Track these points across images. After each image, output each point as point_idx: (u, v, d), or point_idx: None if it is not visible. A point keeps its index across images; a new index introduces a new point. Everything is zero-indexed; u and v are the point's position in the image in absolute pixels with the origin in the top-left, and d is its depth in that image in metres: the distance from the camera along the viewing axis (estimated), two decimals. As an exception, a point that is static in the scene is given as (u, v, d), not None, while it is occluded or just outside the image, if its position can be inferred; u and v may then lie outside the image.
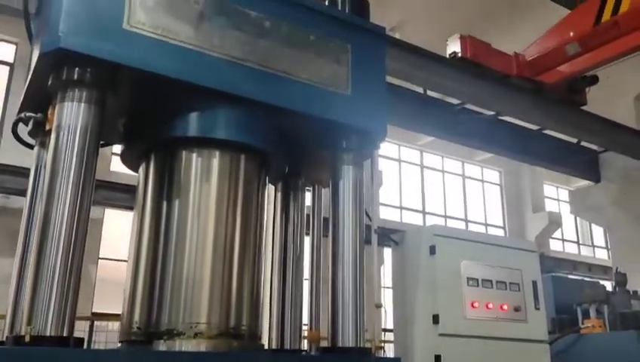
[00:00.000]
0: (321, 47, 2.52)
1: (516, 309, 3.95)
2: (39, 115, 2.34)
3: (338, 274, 2.44)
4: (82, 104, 2.02)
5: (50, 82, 2.07)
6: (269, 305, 2.83)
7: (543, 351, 4.06)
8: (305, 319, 2.90)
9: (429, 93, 8.41)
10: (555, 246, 20.07)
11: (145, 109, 2.36)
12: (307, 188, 3.04)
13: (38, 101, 2.27)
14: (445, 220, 18.08)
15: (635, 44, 7.21)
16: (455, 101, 8.67)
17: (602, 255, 21.02)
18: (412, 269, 3.81)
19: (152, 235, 2.29)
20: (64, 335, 1.84)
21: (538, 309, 4.09)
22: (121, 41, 2.06)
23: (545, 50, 7.91)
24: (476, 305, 3.75)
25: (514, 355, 3.85)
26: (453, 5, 11.55)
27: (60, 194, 1.93)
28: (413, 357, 3.65)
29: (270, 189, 2.95)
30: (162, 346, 2.11)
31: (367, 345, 2.49)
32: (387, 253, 4.44)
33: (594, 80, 8.68)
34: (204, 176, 2.33)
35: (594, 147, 11.21)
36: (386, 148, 16.81)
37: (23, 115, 2.38)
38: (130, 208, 2.68)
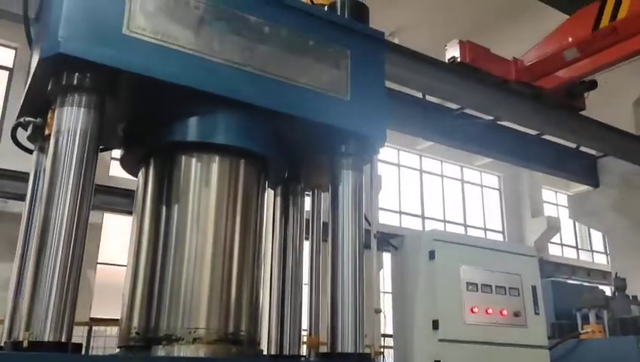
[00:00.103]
0: (320, 53, 2.52)
1: (516, 314, 3.94)
2: (38, 119, 2.34)
3: (337, 279, 2.44)
4: (82, 109, 2.01)
5: (49, 87, 2.07)
6: (268, 310, 2.83)
7: (542, 357, 4.04)
8: (304, 324, 2.89)
9: (428, 98, 8.43)
10: (553, 250, 20.07)
11: (145, 114, 2.36)
12: (307, 192, 3.04)
13: (38, 106, 2.26)
14: (444, 225, 18.10)
15: (633, 49, 7.24)
16: (454, 106, 8.69)
17: (601, 260, 21.00)
18: (411, 274, 3.79)
19: (151, 240, 2.29)
20: (62, 340, 1.83)
21: (538, 314, 4.07)
22: (121, 46, 2.06)
23: (544, 56, 7.93)
24: (476, 310, 3.73)
25: (514, 361, 3.83)
26: (453, 10, 11.58)
27: (59, 198, 1.92)
28: (412, 363, 3.64)
29: (270, 194, 2.94)
30: (161, 351, 2.10)
31: (367, 350, 2.49)
32: (386, 257, 4.43)
33: (593, 85, 8.70)
34: (203, 181, 2.32)
35: (593, 152, 11.25)
36: (386, 152, 16.83)
37: (22, 119, 2.38)
38: (130, 213, 2.68)
